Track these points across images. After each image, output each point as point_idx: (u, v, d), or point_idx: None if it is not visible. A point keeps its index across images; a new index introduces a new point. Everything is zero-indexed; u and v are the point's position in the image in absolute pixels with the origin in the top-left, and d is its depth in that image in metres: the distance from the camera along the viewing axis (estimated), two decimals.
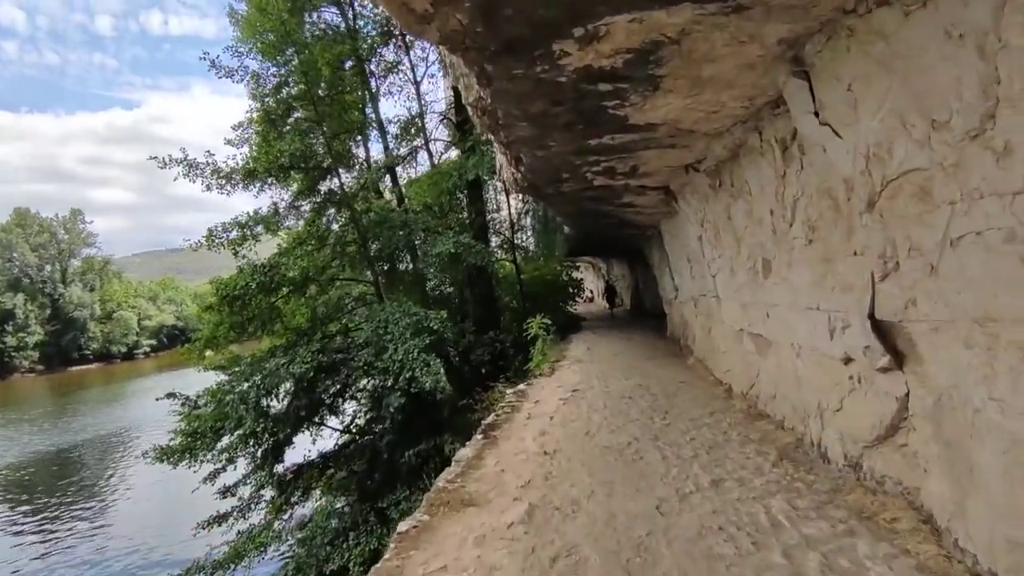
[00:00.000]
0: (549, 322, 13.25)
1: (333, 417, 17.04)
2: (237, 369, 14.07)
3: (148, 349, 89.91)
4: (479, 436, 6.51)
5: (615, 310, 28.88)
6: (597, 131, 6.10)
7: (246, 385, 13.14)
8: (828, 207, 4.39)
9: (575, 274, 26.71)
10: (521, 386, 9.62)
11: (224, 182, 15.14)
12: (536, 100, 4.99)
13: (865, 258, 3.77)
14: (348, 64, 18.31)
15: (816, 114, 4.05)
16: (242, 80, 15.90)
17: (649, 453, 5.69)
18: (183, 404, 13.84)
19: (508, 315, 23.36)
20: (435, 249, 15.63)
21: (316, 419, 16.06)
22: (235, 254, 14.71)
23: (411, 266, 18.71)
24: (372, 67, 21.08)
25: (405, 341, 14.11)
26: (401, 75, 23.37)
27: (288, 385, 14.48)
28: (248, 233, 15.21)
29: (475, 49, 3.91)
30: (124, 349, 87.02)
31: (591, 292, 40.83)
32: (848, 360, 4.34)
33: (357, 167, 20.66)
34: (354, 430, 17.25)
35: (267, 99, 16.44)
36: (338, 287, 19.46)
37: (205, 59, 14.92)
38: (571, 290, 23.19)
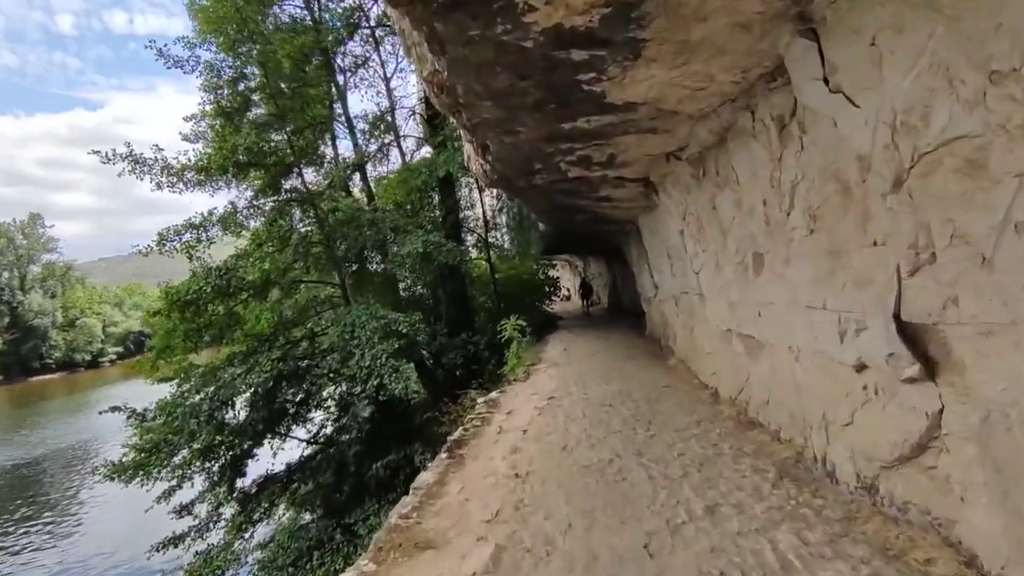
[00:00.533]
0: (524, 323, 12.60)
1: (299, 427, 16.19)
2: (190, 382, 13.10)
3: (114, 356, 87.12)
4: (443, 455, 5.81)
5: (591, 308, 28.38)
6: (571, 112, 5.46)
7: (198, 397, 12.22)
8: (836, 192, 3.81)
9: (551, 272, 26.11)
10: (493, 394, 8.95)
11: (175, 180, 14.16)
12: (499, 72, 4.33)
13: (888, 249, 3.18)
14: (315, 59, 17.42)
15: (826, 80, 3.46)
16: (194, 71, 14.91)
17: (633, 472, 5.07)
18: (129, 418, 12.84)
19: (483, 316, 22.69)
20: (403, 249, 14.87)
21: (279, 430, 15.19)
22: (190, 258, 13.76)
23: (383, 267, 17.87)
24: (340, 62, 20.27)
25: (373, 346, 13.35)
26: (371, 71, 22.62)
27: (247, 395, 13.60)
28: (203, 235, 14.26)
29: (420, 1, 3.22)
30: (88, 357, 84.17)
31: (568, 290, 40.31)
32: (862, 367, 3.76)
33: (324, 165, 19.80)
34: (321, 440, 16.40)
35: (222, 91, 15.47)
36: (306, 290, 18.58)
37: (151, 47, 13.92)
38: (547, 289, 22.58)
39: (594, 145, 6.85)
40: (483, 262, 21.62)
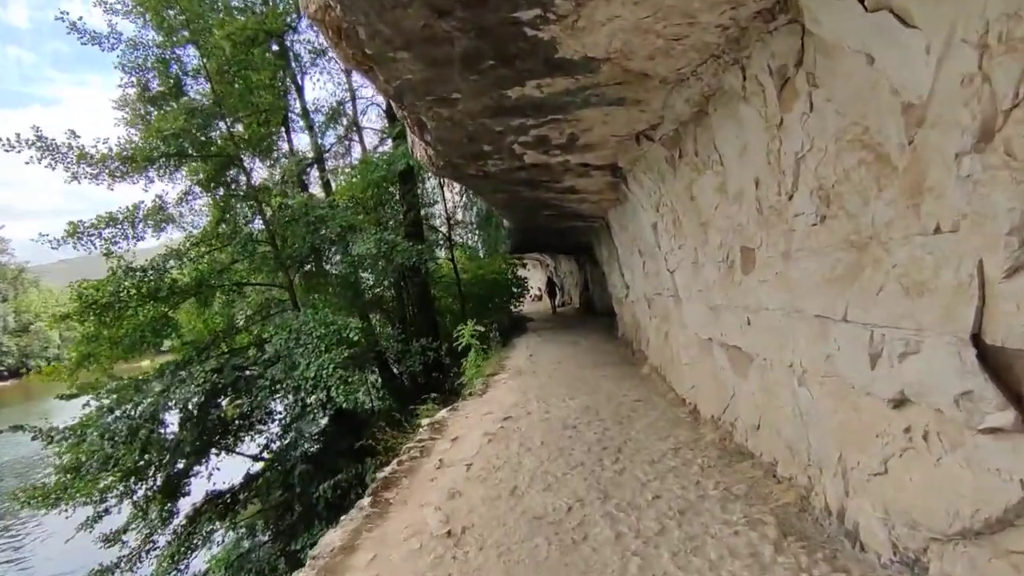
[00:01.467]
0: (483, 328, 11.39)
1: (244, 443, 14.83)
2: (105, 398, 11.66)
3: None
4: (365, 502, 4.66)
5: (561, 308, 27.56)
6: (515, 72, 4.34)
7: (111, 416, 10.83)
8: (863, 162, 2.78)
9: (520, 272, 25.00)
10: (442, 413, 7.81)
11: (98, 171, 12.67)
12: (408, 5, 3.19)
13: (963, 237, 2.14)
14: (264, 44, 15.99)
15: None
16: (113, 48, 13.40)
17: (597, 527, 3.99)
18: (35, 438, 11.33)
19: (450, 318, 21.55)
20: (356, 248, 13.63)
21: (221, 447, 13.82)
22: (107, 255, 12.30)
23: (340, 268, 16.52)
24: (296, 50, 18.91)
25: (319, 355, 12.12)
26: (332, 61, 21.25)
27: (178, 410, 12.23)
28: (127, 231, 12.81)
29: None
30: (45, 363, 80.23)
31: (539, 290, 39.32)
32: (902, 402, 2.74)
33: (280, 159, 18.43)
34: (269, 456, 15.04)
35: (150, 73, 14.01)
36: (256, 294, 17.19)
37: (63, 19, 12.36)
38: (515, 290, 21.47)
39: (551, 122, 5.75)
40: (447, 262, 20.44)
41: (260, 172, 19.55)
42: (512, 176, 8.24)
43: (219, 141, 14.30)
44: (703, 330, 6.43)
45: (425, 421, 7.49)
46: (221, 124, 14.30)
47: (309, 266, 16.74)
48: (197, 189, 15.03)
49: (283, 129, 19.15)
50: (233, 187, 15.06)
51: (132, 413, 10.87)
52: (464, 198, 21.02)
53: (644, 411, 7.29)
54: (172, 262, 13.10)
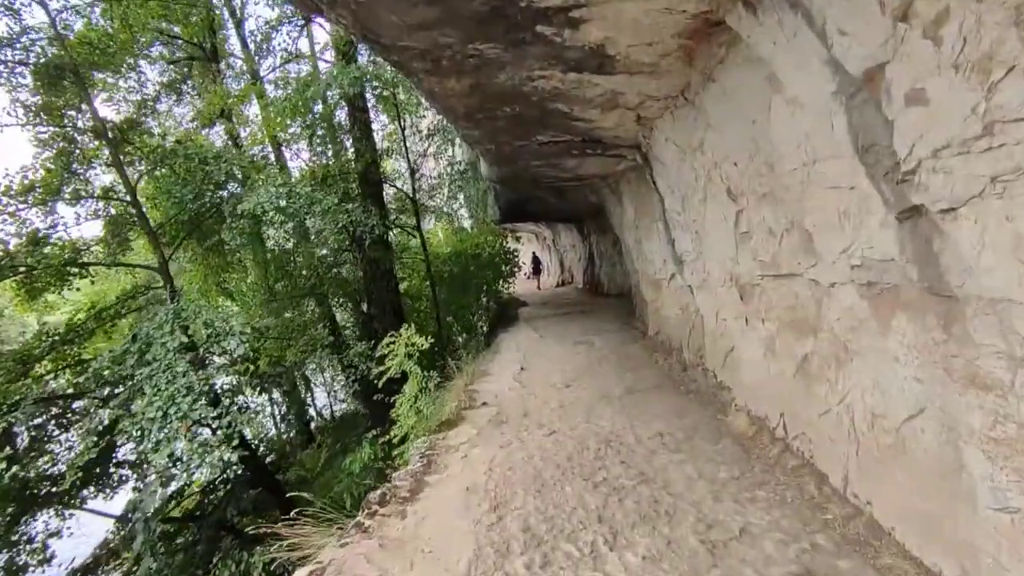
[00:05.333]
0: (424, 343, 6.26)
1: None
2: None
3: None
4: None
5: (558, 288, 24.14)
6: None
7: None
8: None
9: (512, 246, 19.91)
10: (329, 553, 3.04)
11: None
12: None
13: None
14: None
15: None
16: None
17: None
18: None
19: (423, 305, 16.78)
20: (243, 205, 8.75)
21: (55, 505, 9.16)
22: None
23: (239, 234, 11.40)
24: None
25: (174, 378, 7.37)
26: None
27: None
28: None
29: None
30: None
31: (533, 267, 34.47)
32: None
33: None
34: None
35: None
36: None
37: None
38: (503, 268, 16.52)
39: None
40: (411, 232, 15.55)
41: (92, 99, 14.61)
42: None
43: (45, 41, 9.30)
44: None
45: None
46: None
47: (216, 237, 11.73)
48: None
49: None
50: (73, 122, 10.03)
51: None
52: (430, 141, 15.87)
53: (756, 515, 2.55)
54: None
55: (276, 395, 16.79)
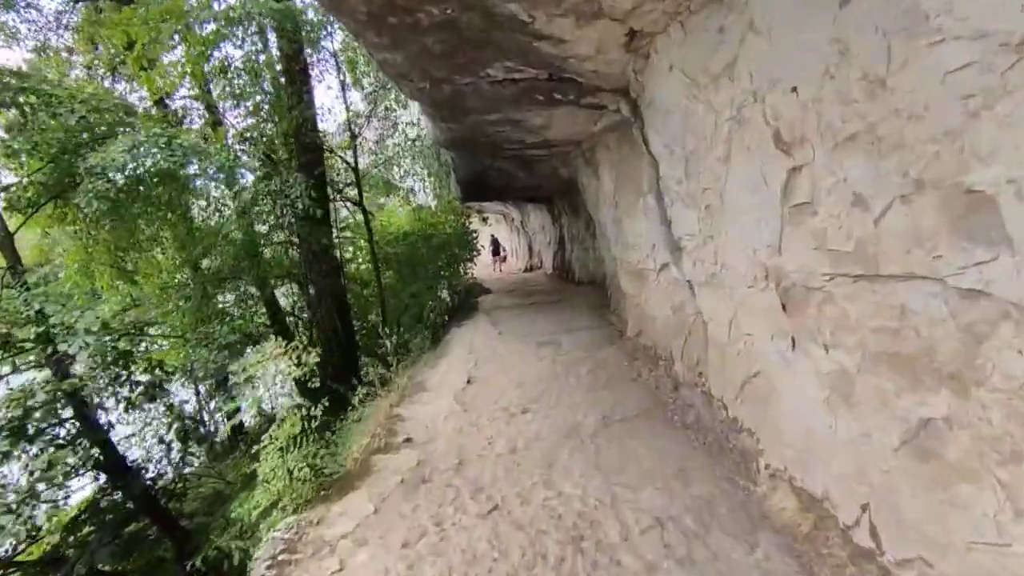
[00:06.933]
0: (313, 357, 4.16)
1: None
2: None
3: None
4: None
5: (508, 273, 23.00)
6: None
7: None
8: None
9: (472, 226, 17.81)
10: None
11: None
12: None
13: None
14: None
15: None
16: None
17: None
18: None
19: (371, 292, 14.68)
20: (91, 159, 6.54)
21: None
22: None
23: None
24: None
25: None
26: None
27: None
28: None
29: None
30: None
31: (504, 251, 32.54)
32: None
33: None
34: None
35: None
36: None
37: None
38: (460, 251, 14.44)
39: None
40: (353, 207, 13.39)
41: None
42: None
43: None
44: None
45: None
46: None
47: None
48: None
49: None
50: None
51: None
52: (373, 98, 13.54)
53: None
54: None
55: (198, 395, 14.57)
